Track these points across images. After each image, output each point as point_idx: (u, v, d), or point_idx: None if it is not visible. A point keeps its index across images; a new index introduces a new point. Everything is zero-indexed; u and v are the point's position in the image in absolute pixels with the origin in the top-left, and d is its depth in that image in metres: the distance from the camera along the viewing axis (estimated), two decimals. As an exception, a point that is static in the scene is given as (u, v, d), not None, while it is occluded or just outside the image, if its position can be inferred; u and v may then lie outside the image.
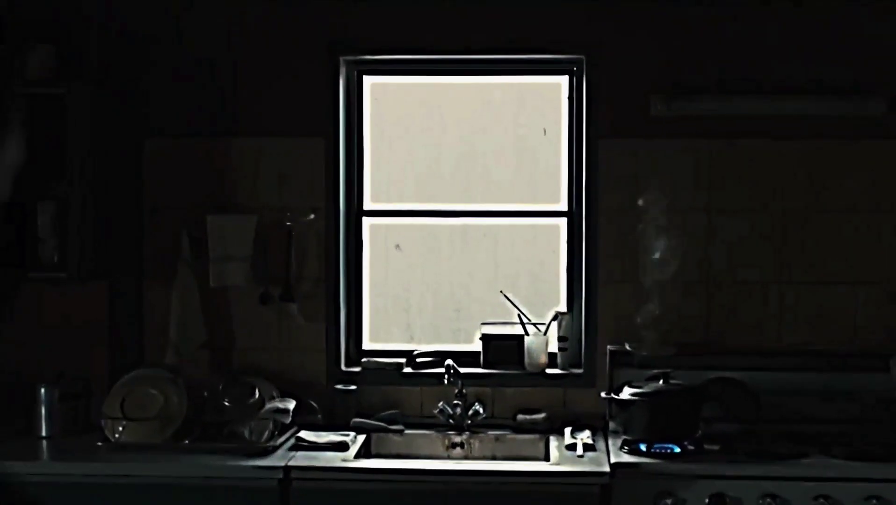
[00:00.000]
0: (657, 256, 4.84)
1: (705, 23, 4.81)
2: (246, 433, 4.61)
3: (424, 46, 4.93)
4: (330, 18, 4.97)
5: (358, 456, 4.54)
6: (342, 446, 4.57)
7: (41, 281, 4.69)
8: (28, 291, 4.88)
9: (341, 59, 5.01)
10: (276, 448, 4.52)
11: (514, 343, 5.00)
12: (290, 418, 4.72)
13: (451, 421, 4.88)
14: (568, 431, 4.73)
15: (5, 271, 4.58)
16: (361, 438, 4.75)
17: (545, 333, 4.98)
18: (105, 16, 4.86)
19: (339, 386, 4.99)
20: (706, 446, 4.39)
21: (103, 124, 4.70)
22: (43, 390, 4.72)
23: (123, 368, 4.82)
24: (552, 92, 5.04)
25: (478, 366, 5.02)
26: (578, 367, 5.00)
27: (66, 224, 4.57)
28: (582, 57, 4.89)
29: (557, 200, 5.06)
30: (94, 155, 4.63)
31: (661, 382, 4.49)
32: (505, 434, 4.85)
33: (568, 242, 5.04)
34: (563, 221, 5.05)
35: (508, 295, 5.02)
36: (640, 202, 4.86)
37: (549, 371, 4.98)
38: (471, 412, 4.87)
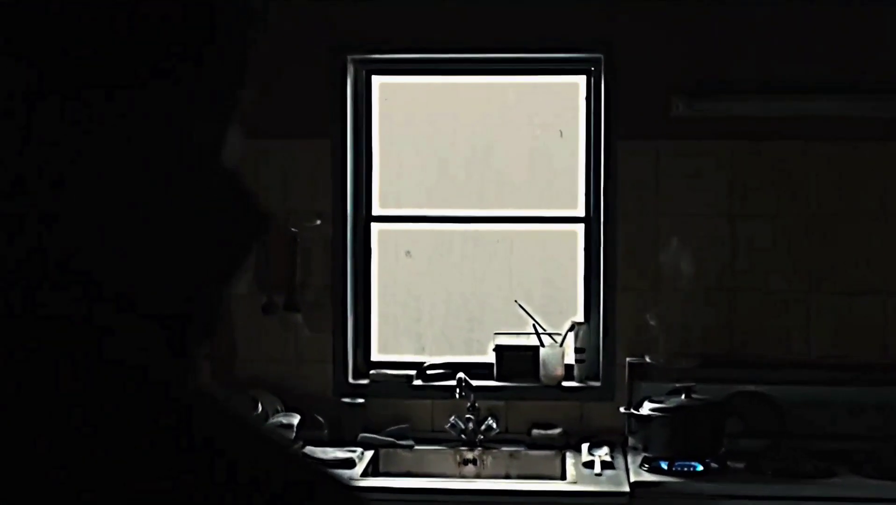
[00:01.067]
0: (679, 263, 4.80)
1: (729, 19, 4.79)
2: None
3: (435, 45, 4.91)
4: (337, 15, 4.92)
5: (365, 474, 4.49)
6: (348, 463, 4.51)
7: None
8: None
9: (349, 57, 4.96)
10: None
11: (529, 355, 4.95)
12: (294, 433, 4.65)
13: (462, 436, 4.82)
14: (585, 447, 4.68)
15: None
16: (369, 454, 4.68)
17: (561, 344, 4.93)
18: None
19: (345, 399, 4.92)
20: (730, 464, 4.37)
21: None
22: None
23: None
24: (569, 92, 5.04)
25: (491, 378, 4.96)
26: (596, 379, 4.96)
27: None
28: (600, 56, 4.88)
29: (574, 205, 5.04)
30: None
31: (682, 396, 4.46)
32: (519, 450, 4.79)
33: (585, 249, 5.02)
34: (580, 227, 5.03)
35: (523, 304, 4.98)
36: (661, 207, 4.83)
37: (565, 384, 4.93)
38: (483, 427, 4.81)
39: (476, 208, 5.10)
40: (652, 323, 4.80)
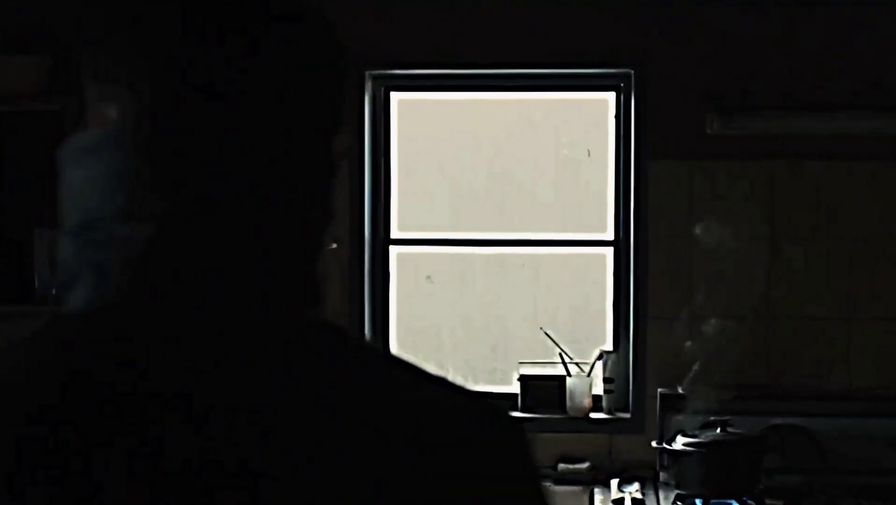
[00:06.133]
0: (713, 289, 4.73)
1: (767, 32, 4.73)
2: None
3: (457, 59, 4.85)
4: (353, 30, 4.74)
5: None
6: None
7: (37, 316, 4.49)
8: (22, 326, 4.64)
9: (366, 73, 4.91)
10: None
11: (555, 385, 4.87)
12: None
13: (485, 471, 4.62)
14: (614, 483, 4.59)
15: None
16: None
17: (589, 374, 4.87)
18: None
19: (362, 431, 4.73)
20: (768, 502, 4.31)
21: None
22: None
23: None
24: (597, 109, 5.00)
25: (515, 410, 4.88)
26: (626, 411, 4.89)
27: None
28: (630, 71, 4.82)
29: (603, 227, 4.99)
30: None
31: (717, 429, 4.40)
32: (545, 486, 4.57)
33: (614, 274, 4.96)
34: (608, 251, 4.98)
35: (548, 332, 4.91)
36: (695, 230, 4.75)
37: (593, 416, 4.86)
38: (507, 461, 4.61)
39: (499, 230, 5.07)
40: (685, 352, 4.73)
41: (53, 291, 4.44)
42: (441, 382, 1.15)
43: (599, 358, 4.85)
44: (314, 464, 1.02)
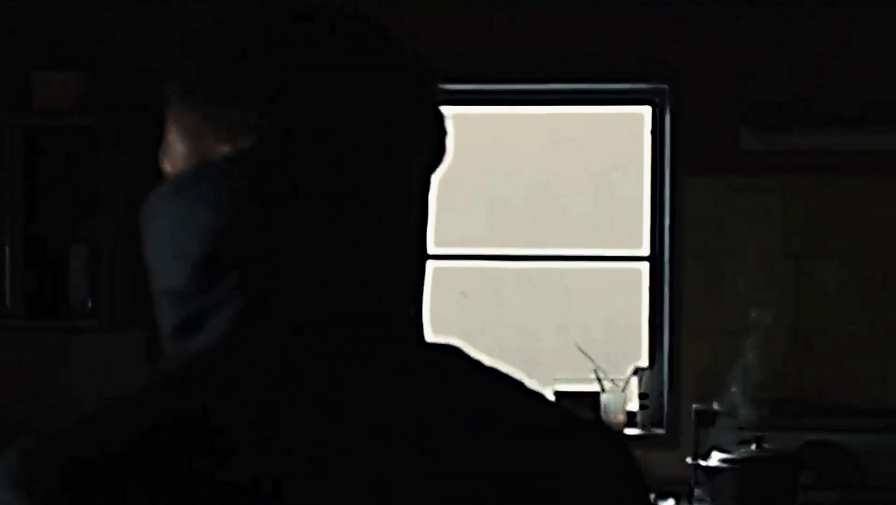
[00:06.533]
0: (747, 304, 4.69)
1: (801, 47, 4.72)
2: None
3: (493, 75, 4.84)
4: None
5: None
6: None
7: (72, 330, 4.62)
8: (58, 339, 4.77)
9: None
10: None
11: (589, 401, 4.83)
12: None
13: (519, 487, 4.61)
14: None
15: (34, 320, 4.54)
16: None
17: (623, 390, 4.84)
18: (138, 42, 4.77)
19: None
20: None
21: (136, 158, 4.56)
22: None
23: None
24: (632, 124, 4.99)
25: None
26: (660, 427, 4.87)
27: (98, 267, 4.47)
28: (664, 86, 4.81)
29: (638, 243, 4.98)
30: (127, 192, 4.52)
31: (753, 445, 4.35)
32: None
33: (650, 289, 4.94)
34: (643, 266, 4.96)
35: (582, 348, 4.88)
36: (729, 245, 4.75)
37: (627, 431, 4.84)
38: (541, 477, 4.60)
39: (533, 245, 5.05)
40: (720, 367, 4.69)
41: (89, 304, 4.47)
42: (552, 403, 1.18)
43: (634, 373, 4.83)
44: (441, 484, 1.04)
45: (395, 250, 1.14)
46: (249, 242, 1.09)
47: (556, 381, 4.87)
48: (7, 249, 4.40)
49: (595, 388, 4.83)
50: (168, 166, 1.17)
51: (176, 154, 1.15)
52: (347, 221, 1.10)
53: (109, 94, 4.64)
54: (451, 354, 1.15)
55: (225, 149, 1.11)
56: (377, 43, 1.15)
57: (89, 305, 4.47)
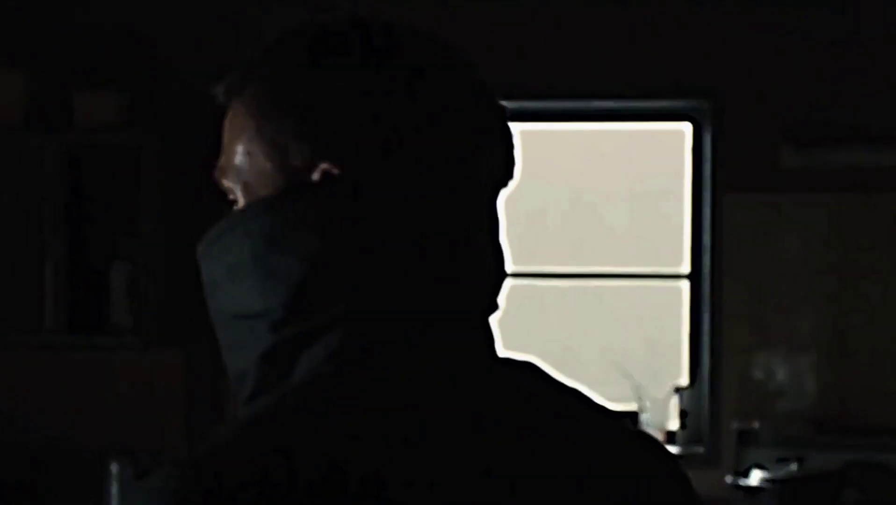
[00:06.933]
0: (788, 323, 4.70)
1: (842, 64, 4.69)
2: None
3: (533, 91, 4.81)
4: None
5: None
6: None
7: (113, 347, 4.62)
8: (98, 358, 4.77)
9: None
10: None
11: (629, 419, 4.64)
12: None
13: (558, 505, 4.59)
14: None
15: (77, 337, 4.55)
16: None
17: (663, 408, 4.83)
18: (180, 63, 4.78)
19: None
20: None
21: (177, 177, 4.59)
22: (115, 467, 4.51)
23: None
24: (673, 140, 4.97)
25: None
26: (701, 445, 4.82)
27: (139, 285, 4.47)
28: (705, 102, 4.79)
29: (677, 260, 4.95)
30: (168, 211, 4.53)
31: (794, 465, 4.35)
32: None
33: (690, 307, 4.91)
34: (683, 284, 4.93)
35: (622, 365, 4.88)
36: (770, 264, 4.71)
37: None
38: (580, 496, 4.58)
39: (573, 263, 5.02)
40: (760, 386, 4.69)
41: (130, 322, 4.48)
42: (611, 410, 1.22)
43: (675, 392, 4.80)
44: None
45: (478, 267, 1.14)
46: (354, 267, 1.08)
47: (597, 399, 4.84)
48: (49, 267, 4.43)
49: (635, 406, 4.81)
50: (235, 182, 1.14)
51: (254, 170, 1.12)
52: (442, 242, 1.10)
53: (151, 112, 4.65)
54: (529, 370, 1.16)
55: (322, 167, 1.09)
56: (459, 66, 1.16)
57: (131, 322, 4.48)
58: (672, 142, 4.96)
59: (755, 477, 4.30)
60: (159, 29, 4.76)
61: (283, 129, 1.10)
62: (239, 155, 1.13)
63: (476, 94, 1.16)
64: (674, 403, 4.81)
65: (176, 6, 4.77)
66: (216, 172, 1.16)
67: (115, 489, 4.52)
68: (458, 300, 1.12)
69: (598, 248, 5.05)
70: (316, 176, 1.09)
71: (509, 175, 1.19)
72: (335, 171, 1.09)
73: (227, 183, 1.14)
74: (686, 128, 4.90)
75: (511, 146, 1.18)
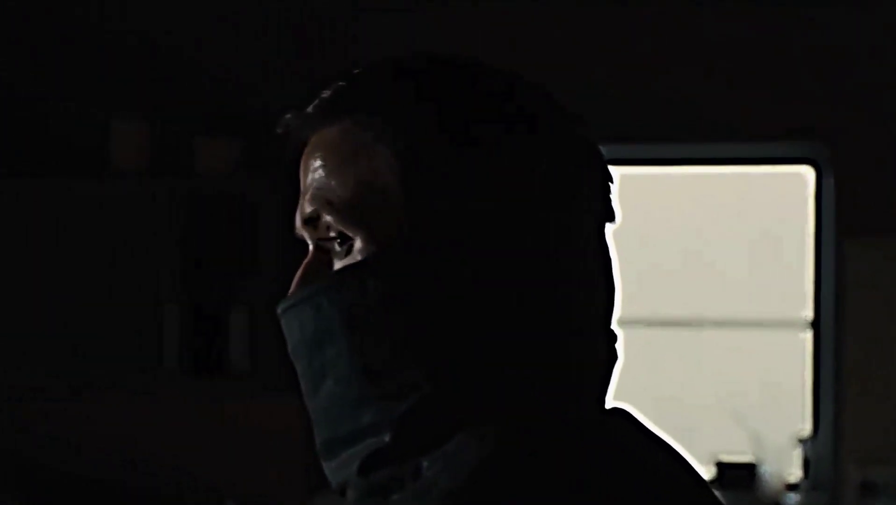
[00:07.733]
0: None
1: None
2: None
3: (648, 134, 4.77)
4: None
5: None
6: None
7: (231, 392, 4.68)
8: (216, 402, 4.83)
9: None
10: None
11: (746, 471, 4.76)
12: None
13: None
14: None
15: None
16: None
17: (785, 460, 4.78)
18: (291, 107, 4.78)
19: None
20: None
21: (292, 223, 4.56)
22: (231, 511, 4.57)
23: (320, 491, 4.58)
24: (793, 184, 4.94)
25: None
26: (824, 497, 4.72)
27: (258, 330, 4.52)
28: (826, 145, 4.71)
29: (798, 307, 4.90)
30: (285, 255, 4.52)
31: None
32: None
33: (813, 355, 4.84)
34: (806, 332, 4.87)
35: (742, 415, 4.86)
36: (894, 309, 4.63)
37: (789, 502, 4.72)
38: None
39: (692, 309, 5.04)
40: (886, 436, 4.60)
41: (247, 367, 4.53)
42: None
43: (797, 442, 4.74)
44: None
45: (592, 310, 1.15)
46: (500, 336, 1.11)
47: (715, 451, 4.79)
48: (168, 310, 4.49)
49: (752, 457, 4.76)
50: (351, 224, 1.13)
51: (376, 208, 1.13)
52: (564, 289, 1.12)
53: (268, 158, 4.70)
54: (623, 417, 1.16)
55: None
56: (558, 111, 1.19)
57: (249, 367, 4.52)
58: (794, 185, 4.93)
59: (880, 529, 4.21)
60: (273, 77, 4.82)
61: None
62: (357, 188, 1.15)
63: (577, 138, 1.18)
64: (797, 453, 4.74)
65: (284, 62, 4.83)
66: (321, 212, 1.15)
67: (230, 533, 4.60)
68: (583, 352, 1.14)
69: (716, 295, 5.04)
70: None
71: (611, 214, 1.20)
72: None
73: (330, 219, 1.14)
74: (807, 172, 4.85)
75: (609, 180, 1.19)
